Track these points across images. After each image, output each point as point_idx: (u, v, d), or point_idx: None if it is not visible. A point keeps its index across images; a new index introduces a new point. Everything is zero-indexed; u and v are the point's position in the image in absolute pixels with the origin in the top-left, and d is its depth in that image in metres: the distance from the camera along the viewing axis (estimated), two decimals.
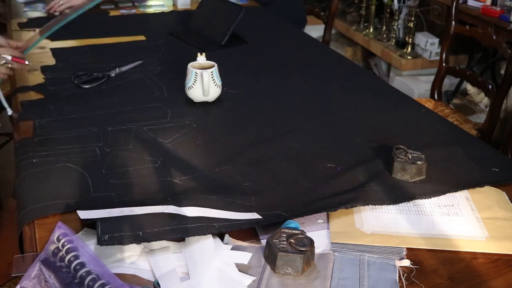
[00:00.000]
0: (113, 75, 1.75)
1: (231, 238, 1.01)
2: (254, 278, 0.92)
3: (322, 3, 3.98)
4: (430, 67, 3.10)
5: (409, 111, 1.55)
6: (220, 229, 1.00)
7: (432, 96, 2.38)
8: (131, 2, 2.64)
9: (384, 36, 3.44)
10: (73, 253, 0.91)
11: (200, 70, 1.50)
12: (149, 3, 2.64)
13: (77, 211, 1.06)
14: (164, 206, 1.04)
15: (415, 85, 3.11)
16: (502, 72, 2.77)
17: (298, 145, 1.35)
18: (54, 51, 1.94)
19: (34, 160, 1.25)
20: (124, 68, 1.79)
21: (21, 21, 2.32)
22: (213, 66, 1.53)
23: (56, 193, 1.13)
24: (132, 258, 0.96)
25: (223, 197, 1.11)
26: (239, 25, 2.06)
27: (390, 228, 1.05)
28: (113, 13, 2.48)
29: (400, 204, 1.12)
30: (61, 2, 1.56)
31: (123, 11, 2.51)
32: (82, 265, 0.89)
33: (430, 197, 1.14)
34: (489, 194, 1.16)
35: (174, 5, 2.62)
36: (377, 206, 1.10)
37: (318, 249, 0.98)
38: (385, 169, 1.23)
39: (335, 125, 1.45)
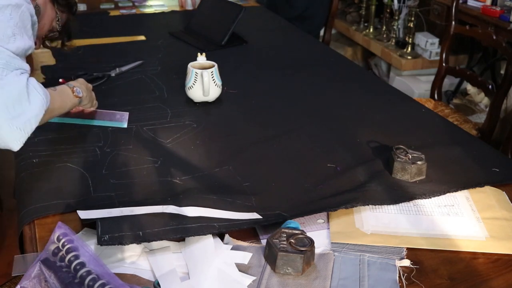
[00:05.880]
0: (113, 75, 1.75)
1: (231, 238, 1.01)
2: (254, 278, 0.92)
3: None
4: (430, 67, 3.10)
5: (409, 111, 1.55)
6: (220, 229, 1.00)
7: (432, 96, 2.38)
8: (131, 2, 2.64)
9: (384, 36, 3.44)
10: (73, 253, 0.91)
11: (200, 70, 1.50)
12: (149, 3, 2.64)
13: (77, 211, 1.06)
14: (164, 206, 1.04)
15: (415, 85, 3.11)
16: (502, 72, 2.77)
17: (298, 145, 1.35)
18: (54, 51, 1.94)
19: (34, 160, 1.25)
20: (124, 68, 1.79)
21: None
22: (213, 66, 1.53)
23: (56, 193, 1.13)
24: (132, 258, 0.96)
25: (223, 197, 1.11)
26: (239, 25, 2.06)
27: (390, 228, 1.05)
28: (113, 13, 2.48)
29: (400, 204, 1.12)
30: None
31: (123, 11, 2.51)
32: (82, 265, 0.89)
33: (430, 197, 1.14)
34: (489, 194, 1.16)
35: (182, 6, 2.61)
36: (377, 206, 1.10)
37: (318, 249, 0.98)
38: (385, 169, 1.23)
39: (335, 125, 1.45)
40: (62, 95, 1.25)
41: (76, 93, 1.30)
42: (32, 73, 1.73)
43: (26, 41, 1.13)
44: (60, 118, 1.40)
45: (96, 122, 1.41)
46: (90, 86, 1.41)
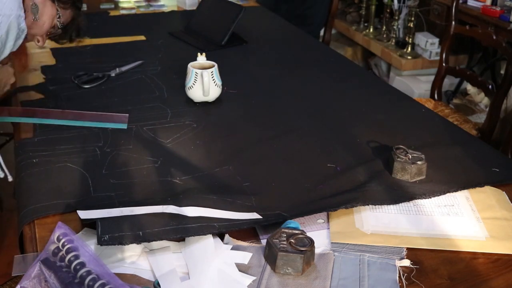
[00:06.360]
0: (113, 75, 1.75)
1: (231, 238, 1.01)
2: (254, 278, 0.92)
3: None
4: (430, 67, 3.09)
5: (409, 111, 1.55)
6: (220, 229, 1.00)
7: (432, 96, 2.38)
8: (131, 2, 2.64)
9: (384, 36, 3.44)
10: (73, 253, 0.91)
11: (200, 70, 1.50)
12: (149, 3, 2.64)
13: (77, 211, 1.06)
14: (164, 206, 1.04)
15: (415, 85, 3.11)
16: (502, 72, 2.77)
17: (298, 145, 1.35)
18: (54, 51, 1.94)
19: (34, 160, 1.25)
20: (124, 68, 1.79)
21: None
22: (213, 66, 1.53)
23: (56, 193, 1.13)
24: (132, 258, 0.96)
25: (223, 197, 1.11)
26: (239, 25, 2.06)
27: (390, 228, 1.05)
28: (113, 13, 2.48)
29: (400, 204, 1.12)
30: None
31: (123, 11, 2.51)
32: (82, 265, 0.89)
33: (430, 197, 1.14)
34: (489, 194, 1.16)
35: (179, 6, 2.61)
36: (377, 206, 1.10)
37: (318, 249, 0.98)
38: (385, 169, 1.23)
39: (335, 125, 1.45)
40: None
41: None
42: (31, 73, 1.75)
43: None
44: (59, 120, 1.40)
45: (96, 124, 1.41)
46: (9, 80, 1.39)
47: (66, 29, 1.42)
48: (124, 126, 1.39)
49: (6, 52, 1.20)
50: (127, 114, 1.44)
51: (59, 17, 1.34)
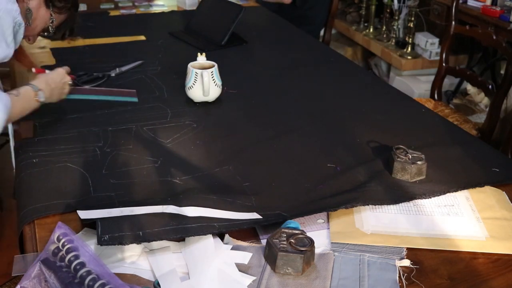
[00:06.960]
0: (113, 75, 1.75)
1: (231, 238, 1.01)
2: (254, 278, 0.92)
3: None
4: (430, 67, 3.09)
5: (409, 111, 1.55)
6: (220, 229, 1.00)
7: (432, 96, 2.38)
8: (131, 2, 2.64)
9: (384, 36, 3.44)
10: (73, 253, 0.91)
11: (200, 70, 1.50)
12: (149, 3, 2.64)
13: (77, 211, 1.06)
14: (164, 206, 1.05)
15: (415, 85, 3.11)
16: (502, 72, 2.77)
17: (298, 145, 1.35)
18: (54, 51, 1.94)
19: (34, 160, 1.25)
20: (124, 68, 1.79)
21: None
22: (213, 66, 1.53)
23: (56, 193, 1.13)
24: (132, 258, 0.96)
25: (223, 197, 1.11)
26: (239, 25, 2.06)
27: (390, 228, 1.05)
28: (113, 13, 2.48)
29: (400, 204, 1.12)
30: None
31: (123, 11, 2.51)
32: (82, 265, 0.89)
33: (430, 197, 1.14)
34: (489, 194, 1.16)
35: (179, 6, 2.61)
36: (377, 206, 1.10)
37: (318, 249, 0.98)
38: (385, 169, 1.23)
39: (335, 125, 1.45)
40: (23, 100, 1.24)
41: (38, 97, 1.28)
42: (31, 73, 1.74)
43: (4, 50, 1.14)
44: (73, 95, 1.42)
45: (108, 98, 1.39)
46: (66, 80, 1.40)
47: (59, 28, 1.44)
48: (135, 99, 1.39)
49: (11, 50, 1.20)
50: (134, 90, 1.45)
51: (52, 22, 1.35)
